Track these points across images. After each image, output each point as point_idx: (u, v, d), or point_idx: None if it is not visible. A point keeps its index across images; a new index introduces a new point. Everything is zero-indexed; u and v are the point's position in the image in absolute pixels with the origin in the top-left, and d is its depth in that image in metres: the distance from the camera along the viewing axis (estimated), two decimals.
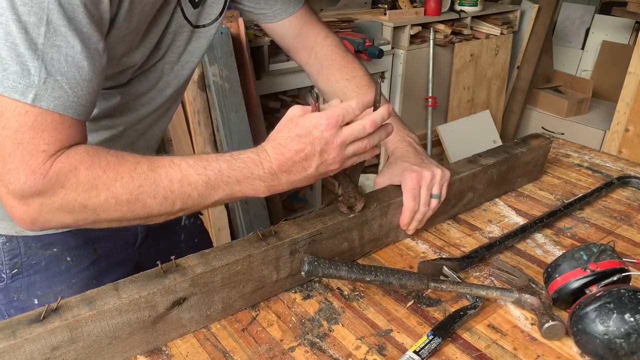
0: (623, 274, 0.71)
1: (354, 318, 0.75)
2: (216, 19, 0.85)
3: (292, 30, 1.03)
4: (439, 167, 0.90)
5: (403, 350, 0.69)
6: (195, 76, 1.97)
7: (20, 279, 0.87)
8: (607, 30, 3.50)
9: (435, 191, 0.88)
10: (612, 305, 0.64)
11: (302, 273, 0.72)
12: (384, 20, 2.73)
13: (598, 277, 0.71)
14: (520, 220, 1.01)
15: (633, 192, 1.12)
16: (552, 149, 1.31)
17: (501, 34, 3.20)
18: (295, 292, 0.80)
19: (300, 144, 0.67)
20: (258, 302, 0.78)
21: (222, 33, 2.00)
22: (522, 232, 0.93)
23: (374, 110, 0.72)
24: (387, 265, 0.87)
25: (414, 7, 2.90)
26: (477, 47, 3.13)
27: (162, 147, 1.07)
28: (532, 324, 0.74)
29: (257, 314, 0.76)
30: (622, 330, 0.63)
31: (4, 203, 0.62)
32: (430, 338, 0.69)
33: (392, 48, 2.77)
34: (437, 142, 3.14)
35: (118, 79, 0.77)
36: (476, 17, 3.14)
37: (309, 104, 0.71)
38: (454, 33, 2.98)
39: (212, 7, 0.83)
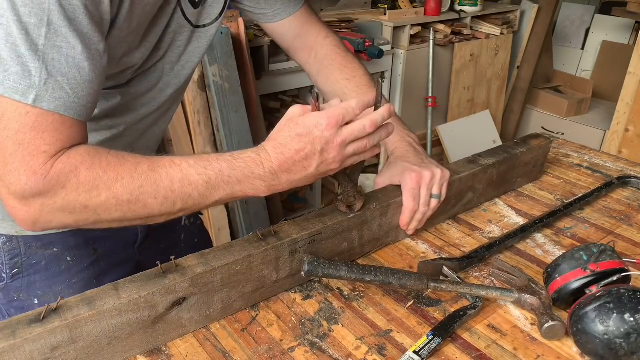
0: (623, 274, 0.71)
1: (354, 318, 0.75)
2: (216, 19, 0.85)
3: (292, 30, 1.03)
4: (439, 167, 0.90)
5: (403, 351, 0.69)
6: (195, 76, 1.98)
7: (20, 278, 0.87)
8: (607, 30, 3.51)
9: (435, 191, 0.88)
10: (612, 305, 0.64)
11: (302, 273, 0.72)
12: (384, 20, 2.73)
13: (598, 277, 0.71)
14: (520, 220, 1.01)
15: (633, 192, 1.12)
16: (552, 149, 1.31)
17: (501, 34, 3.20)
18: (295, 292, 0.80)
19: (300, 143, 0.67)
20: (258, 302, 0.78)
21: (222, 33, 2.00)
22: (522, 232, 0.93)
23: (374, 110, 0.72)
24: (387, 265, 0.87)
25: (414, 7, 2.90)
26: (477, 47, 3.13)
27: (162, 147, 1.08)
28: (532, 324, 0.74)
29: (257, 314, 0.76)
30: (622, 330, 0.63)
31: (5, 204, 0.62)
32: (430, 338, 0.69)
33: (392, 48, 2.77)
34: (437, 142, 3.14)
35: (118, 79, 0.77)
36: (476, 17, 3.14)
37: (309, 104, 0.71)
38: (454, 33, 2.98)
39: (212, 7, 0.83)
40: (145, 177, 0.64)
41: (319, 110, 0.70)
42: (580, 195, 1.07)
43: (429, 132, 3.08)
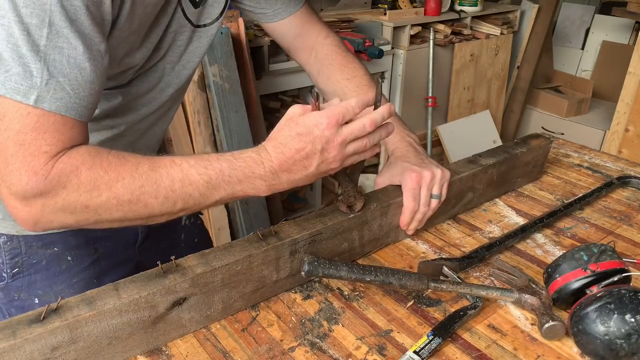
0: (623, 274, 0.71)
1: (354, 318, 0.75)
2: (217, 19, 0.85)
3: (292, 29, 1.03)
4: (439, 167, 0.90)
5: (403, 351, 0.69)
6: (195, 76, 1.98)
7: (21, 278, 0.87)
8: (607, 30, 3.51)
9: (435, 191, 0.88)
10: (612, 306, 0.64)
11: (302, 273, 0.72)
12: (384, 20, 2.73)
13: (598, 278, 0.72)
14: (520, 220, 1.01)
15: (633, 192, 1.12)
16: (552, 149, 1.31)
17: (501, 34, 3.20)
18: (295, 292, 0.80)
19: (300, 142, 0.67)
20: (258, 302, 0.78)
21: (222, 33, 2.00)
22: (522, 232, 0.93)
23: (374, 109, 0.72)
24: (387, 265, 0.87)
25: (414, 7, 2.90)
26: (477, 47, 3.13)
27: (163, 147, 1.08)
28: (532, 324, 0.74)
29: (257, 314, 0.76)
30: (623, 330, 0.63)
31: (6, 204, 0.62)
32: (430, 338, 0.69)
33: (392, 48, 2.77)
34: (437, 142, 3.14)
35: (119, 79, 0.77)
36: (476, 17, 3.14)
37: (309, 104, 0.71)
38: (454, 33, 2.98)
39: (212, 7, 0.84)
40: (146, 177, 0.64)
41: (319, 109, 0.70)
42: (580, 195, 1.07)
43: (429, 132, 3.08)
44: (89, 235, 0.91)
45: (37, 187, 0.59)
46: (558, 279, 0.74)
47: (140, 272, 0.68)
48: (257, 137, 2.16)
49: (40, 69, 0.57)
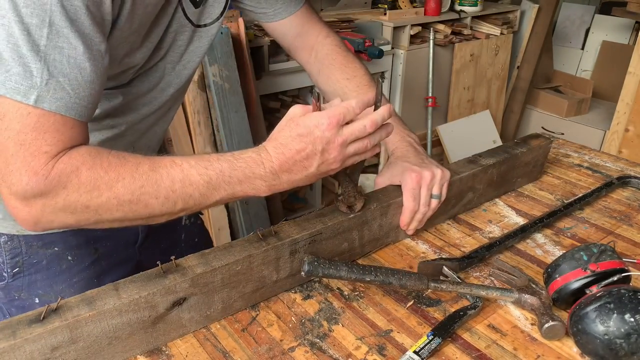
0: (623, 274, 0.71)
1: (354, 318, 0.75)
2: (217, 19, 0.85)
3: (293, 29, 1.03)
4: (439, 167, 0.90)
5: (403, 351, 0.69)
6: (195, 76, 1.98)
7: (21, 277, 0.87)
8: (607, 30, 3.51)
9: (435, 191, 0.88)
10: (612, 306, 0.64)
11: (302, 273, 0.72)
12: (384, 20, 2.73)
13: (598, 278, 0.72)
14: (520, 220, 1.01)
15: (633, 192, 1.12)
16: (552, 149, 1.31)
17: (501, 34, 3.20)
18: (295, 292, 0.80)
19: (301, 143, 0.67)
20: (258, 302, 0.78)
21: (222, 33, 2.00)
22: (522, 232, 0.93)
23: (374, 109, 0.72)
24: (387, 265, 0.87)
25: (414, 7, 2.90)
26: (477, 47, 3.13)
27: (163, 147, 1.08)
28: (532, 324, 0.74)
29: (257, 314, 0.76)
30: (623, 330, 0.63)
31: (7, 204, 0.62)
32: (430, 338, 0.69)
33: (392, 48, 2.77)
34: (437, 142, 3.14)
35: (120, 79, 0.77)
36: (476, 17, 3.14)
37: (309, 104, 0.71)
38: (454, 33, 2.98)
39: (213, 7, 0.84)
40: (146, 177, 0.64)
41: (320, 110, 0.70)
42: (580, 195, 1.07)
43: (429, 132, 3.08)
44: (90, 235, 0.91)
45: (38, 187, 0.59)
46: (558, 279, 0.74)
47: (140, 272, 0.68)
48: (257, 137, 2.16)
49: (40, 69, 0.57)
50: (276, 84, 2.36)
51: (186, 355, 0.68)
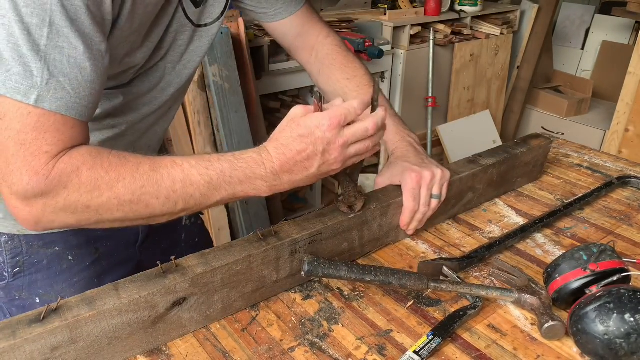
0: (623, 274, 0.71)
1: (354, 318, 0.75)
2: (218, 18, 0.85)
3: (293, 29, 1.03)
4: (439, 167, 0.90)
5: (403, 351, 0.69)
6: (196, 76, 1.97)
7: (22, 277, 0.87)
8: (607, 30, 3.51)
9: (435, 191, 0.89)
10: (612, 306, 0.65)
11: (302, 273, 0.72)
12: (384, 20, 2.73)
13: (598, 277, 0.72)
14: (520, 220, 1.01)
15: (633, 192, 1.12)
16: (552, 149, 1.31)
17: (501, 34, 3.20)
18: (295, 292, 0.80)
19: (302, 144, 0.67)
20: (258, 302, 0.78)
21: (222, 33, 2.00)
22: (522, 232, 0.93)
23: (372, 109, 0.72)
24: (387, 265, 0.87)
25: (414, 7, 2.90)
26: (477, 47, 3.13)
27: (163, 147, 1.08)
28: (532, 324, 0.74)
29: (257, 314, 0.76)
30: (622, 330, 0.63)
31: (8, 204, 0.62)
32: (430, 338, 0.69)
33: (392, 48, 2.77)
34: (437, 142, 3.14)
35: (120, 78, 0.77)
36: (476, 17, 3.14)
37: (309, 104, 0.71)
38: (454, 33, 2.98)
39: (213, 7, 0.84)
40: (147, 178, 0.64)
41: (321, 110, 0.70)
42: (580, 195, 1.07)
43: (429, 132, 3.08)
44: (90, 235, 0.91)
45: (38, 187, 0.59)
46: (558, 278, 0.74)
47: (141, 272, 0.68)
48: (257, 137, 2.16)
49: (40, 69, 0.57)
50: (276, 84, 2.36)
51: (186, 355, 0.69)
